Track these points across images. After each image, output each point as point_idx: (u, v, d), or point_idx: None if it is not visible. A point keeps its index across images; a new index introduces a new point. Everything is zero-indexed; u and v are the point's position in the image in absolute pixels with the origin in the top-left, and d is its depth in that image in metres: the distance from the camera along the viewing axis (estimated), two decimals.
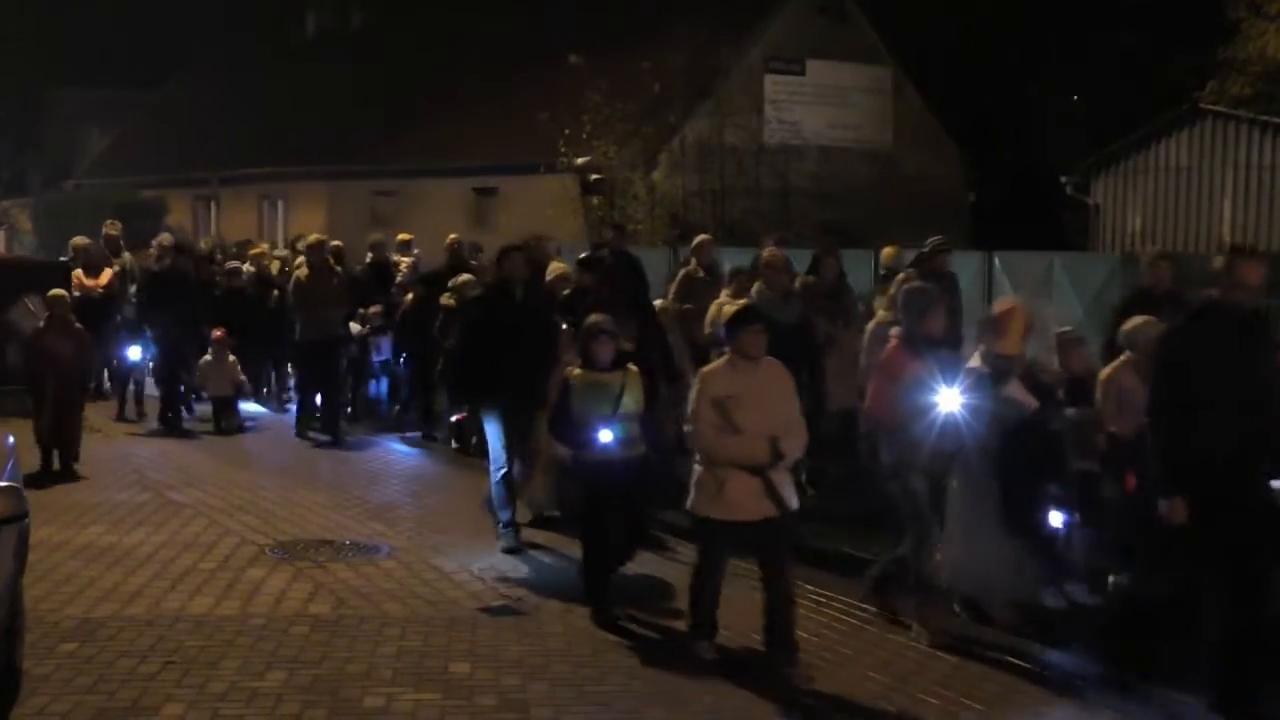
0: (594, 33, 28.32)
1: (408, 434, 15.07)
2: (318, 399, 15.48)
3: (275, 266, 18.24)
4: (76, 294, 16.38)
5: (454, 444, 13.98)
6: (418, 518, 11.11)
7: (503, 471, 10.02)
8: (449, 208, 29.22)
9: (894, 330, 8.42)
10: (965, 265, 20.12)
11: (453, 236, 15.89)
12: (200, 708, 6.71)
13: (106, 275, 16.94)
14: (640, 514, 8.88)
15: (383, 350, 15.91)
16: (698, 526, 7.73)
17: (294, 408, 16.18)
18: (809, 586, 8.56)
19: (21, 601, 6.67)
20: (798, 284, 11.72)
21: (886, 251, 14.22)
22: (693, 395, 7.57)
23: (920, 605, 8.03)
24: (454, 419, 13.65)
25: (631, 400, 8.39)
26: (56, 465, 12.61)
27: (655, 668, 7.47)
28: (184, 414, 16.16)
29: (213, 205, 35.81)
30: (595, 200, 25.43)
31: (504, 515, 10.07)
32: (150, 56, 43.28)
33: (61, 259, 18.00)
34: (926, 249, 12.75)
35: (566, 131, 24.78)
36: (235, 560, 9.55)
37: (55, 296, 13.15)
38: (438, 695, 6.94)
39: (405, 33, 35.52)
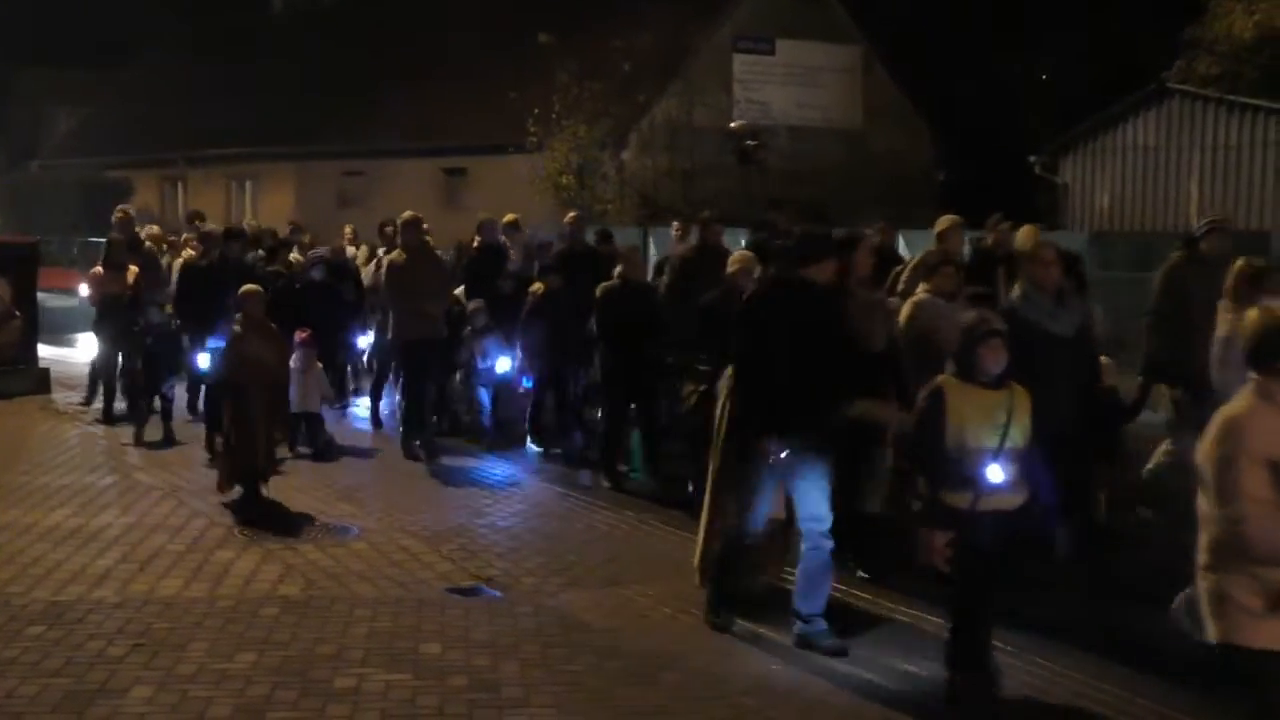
0: (563, 12, 28.26)
1: (552, 450, 13.00)
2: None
3: (363, 254, 16.41)
4: (96, 296, 14.96)
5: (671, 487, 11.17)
6: (387, 499, 11.08)
7: (756, 536, 7.70)
8: (418, 188, 29.10)
9: None
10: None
11: (572, 214, 13.77)
12: (169, 689, 6.68)
13: (132, 274, 14.57)
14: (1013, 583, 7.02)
15: (489, 355, 13.28)
16: (1258, 669, 4.78)
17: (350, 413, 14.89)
18: None
19: None
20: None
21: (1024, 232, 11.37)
22: (1217, 456, 4.75)
23: None
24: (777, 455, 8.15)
25: (1020, 431, 6.51)
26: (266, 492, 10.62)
27: (626, 647, 7.46)
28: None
29: (179, 186, 35.62)
30: (753, 170, 23.67)
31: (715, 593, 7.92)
32: (117, 35, 42.94)
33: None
34: (1201, 228, 10.09)
35: (535, 111, 24.72)
36: (204, 542, 9.51)
37: (250, 293, 11.06)
38: (408, 676, 6.92)
39: (374, 12, 35.35)
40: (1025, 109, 31.41)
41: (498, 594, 8.43)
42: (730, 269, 9.85)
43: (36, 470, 11.90)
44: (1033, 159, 28.29)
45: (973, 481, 6.40)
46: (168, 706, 6.48)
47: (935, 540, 6.45)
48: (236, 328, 10.88)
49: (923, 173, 30.26)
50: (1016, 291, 8.37)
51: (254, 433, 10.48)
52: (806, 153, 28.41)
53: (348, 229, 18.73)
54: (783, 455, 7.29)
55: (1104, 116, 27.05)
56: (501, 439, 13.35)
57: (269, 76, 35.53)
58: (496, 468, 12.45)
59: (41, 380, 16.48)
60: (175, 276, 15.44)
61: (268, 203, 32.93)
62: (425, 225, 13.10)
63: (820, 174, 27.25)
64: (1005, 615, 7.01)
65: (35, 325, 16.84)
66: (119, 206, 16.79)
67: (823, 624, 7.43)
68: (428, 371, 12.87)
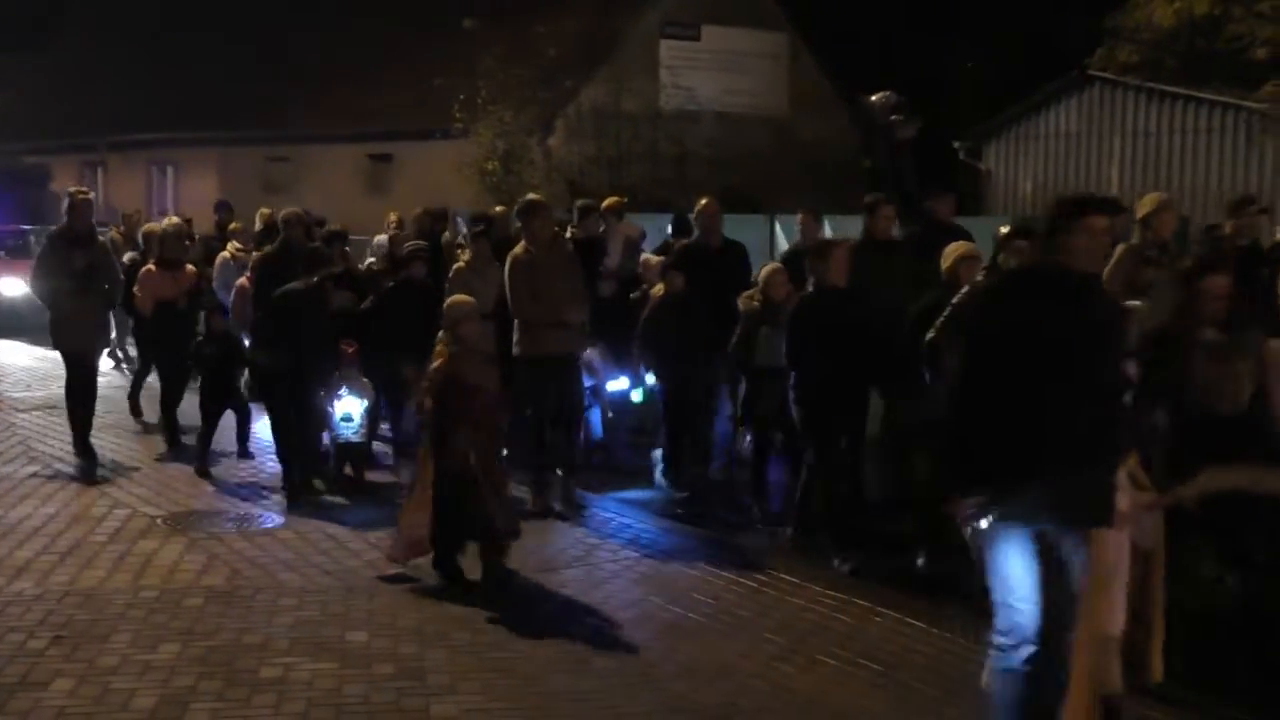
0: None
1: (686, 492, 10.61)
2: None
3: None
4: (149, 301, 12.28)
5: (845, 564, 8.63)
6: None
7: (1034, 650, 5.31)
8: (344, 174, 28.88)
9: None
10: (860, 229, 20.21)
11: (705, 200, 11.51)
12: (91, 682, 6.59)
13: (190, 273, 12.58)
14: None
15: (595, 370, 11.22)
16: None
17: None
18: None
19: None
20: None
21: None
22: None
23: None
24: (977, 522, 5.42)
25: None
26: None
27: (559, 633, 7.45)
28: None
29: (99, 171, 35.09)
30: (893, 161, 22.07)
31: None
32: (35, 16, 42.12)
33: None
34: None
35: (461, 97, 24.59)
36: (127, 532, 9.38)
37: (461, 305, 8.68)
38: (335, 664, 6.88)
39: None
40: (949, 96, 31.66)
41: (426, 581, 8.38)
42: (947, 261, 8.20)
43: None
44: (956, 145, 28.55)
45: None
46: (90, 699, 6.39)
47: None
48: (442, 349, 8.56)
49: (848, 159, 30.40)
50: None
51: (476, 488, 8.22)
52: (733, 139, 28.46)
53: (393, 215, 15.92)
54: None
55: (1027, 104, 27.37)
56: (610, 474, 11.34)
57: (192, 59, 35.02)
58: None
59: None
60: (219, 272, 14.15)
61: (190, 189, 32.48)
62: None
63: (746, 160, 27.30)
64: None
65: None
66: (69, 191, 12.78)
67: None
68: (572, 396, 10.36)
